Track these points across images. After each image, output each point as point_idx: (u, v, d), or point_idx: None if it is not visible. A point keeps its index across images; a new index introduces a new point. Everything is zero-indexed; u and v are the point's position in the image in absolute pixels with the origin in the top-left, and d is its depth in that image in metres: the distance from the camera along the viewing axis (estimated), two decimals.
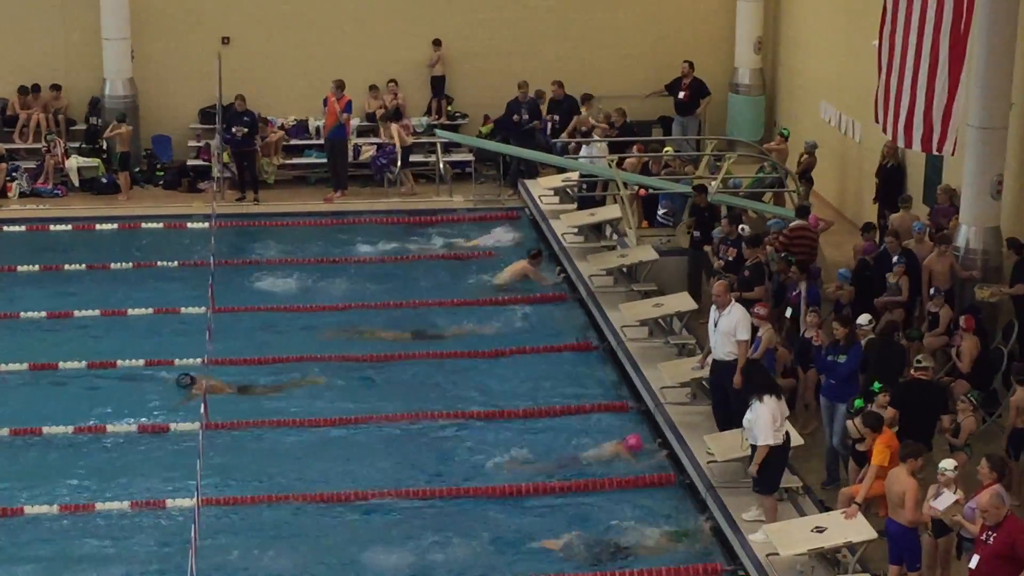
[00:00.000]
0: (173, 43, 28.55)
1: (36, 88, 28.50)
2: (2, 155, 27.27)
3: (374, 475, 16.71)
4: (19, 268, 23.11)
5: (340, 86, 27.32)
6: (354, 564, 14.93)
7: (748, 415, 14.86)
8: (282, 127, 28.38)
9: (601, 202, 24.71)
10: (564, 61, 28.83)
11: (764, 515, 15.01)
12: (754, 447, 14.86)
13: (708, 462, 16.14)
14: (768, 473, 14.88)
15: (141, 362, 19.47)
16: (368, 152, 28.44)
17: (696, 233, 21.22)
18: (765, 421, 14.71)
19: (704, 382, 17.67)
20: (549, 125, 27.52)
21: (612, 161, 23.87)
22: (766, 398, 14.76)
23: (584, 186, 25.19)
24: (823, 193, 24.60)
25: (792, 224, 20.40)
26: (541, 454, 17.25)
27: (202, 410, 15.00)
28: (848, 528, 14.04)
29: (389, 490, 16.25)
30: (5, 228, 25.32)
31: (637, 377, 18.82)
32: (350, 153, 28.02)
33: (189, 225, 25.32)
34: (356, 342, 20.50)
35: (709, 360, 17.06)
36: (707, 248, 20.76)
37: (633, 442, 17.31)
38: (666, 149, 25.27)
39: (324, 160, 28.05)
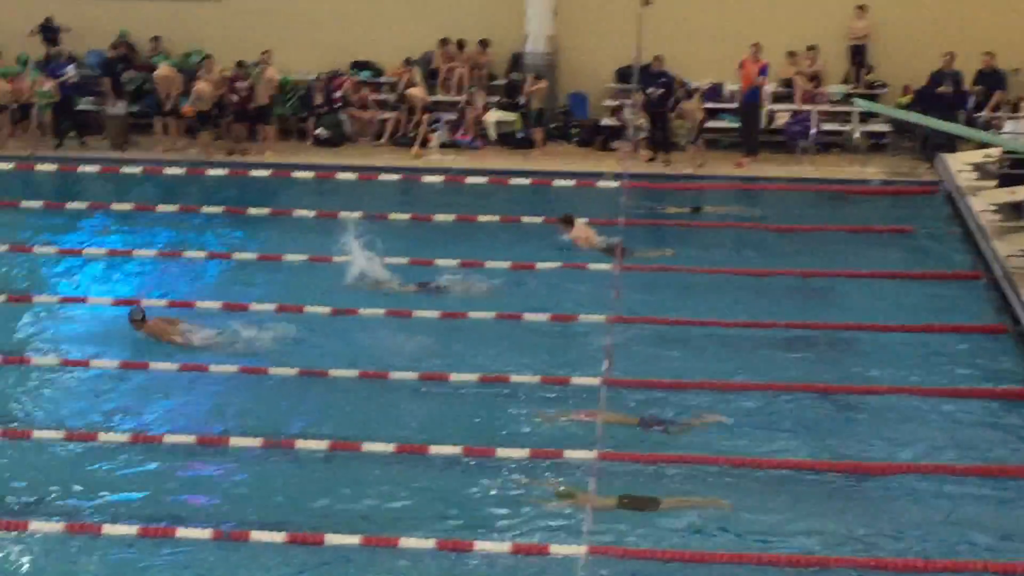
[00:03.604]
0: (595, 1, 28.84)
1: (461, 44, 29.29)
2: (427, 106, 28.16)
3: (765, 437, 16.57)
4: (435, 218, 23.79)
5: (757, 50, 27.08)
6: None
7: None
8: (696, 91, 28.20)
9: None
10: (995, 31, 27.68)
11: None
12: None
13: None
14: None
15: (546, 316, 19.75)
16: (782, 118, 28.12)
17: None
18: None
19: None
20: (973, 99, 26.58)
21: None
22: None
23: (1007, 163, 24.26)
24: None
25: None
26: (942, 438, 16.72)
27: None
28: None
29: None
30: (424, 178, 26.14)
31: None
32: (764, 119, 27.75)
33: (599, 183, 25.55)
34: (758, 306, 20.29)
35: None
36: None
37: None
38: None
39: (737, 125, 27.88)
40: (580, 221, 22.67)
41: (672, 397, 17.32)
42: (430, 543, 13.87)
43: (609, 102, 29.20)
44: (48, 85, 28.40)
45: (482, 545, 13.90)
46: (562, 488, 14.91)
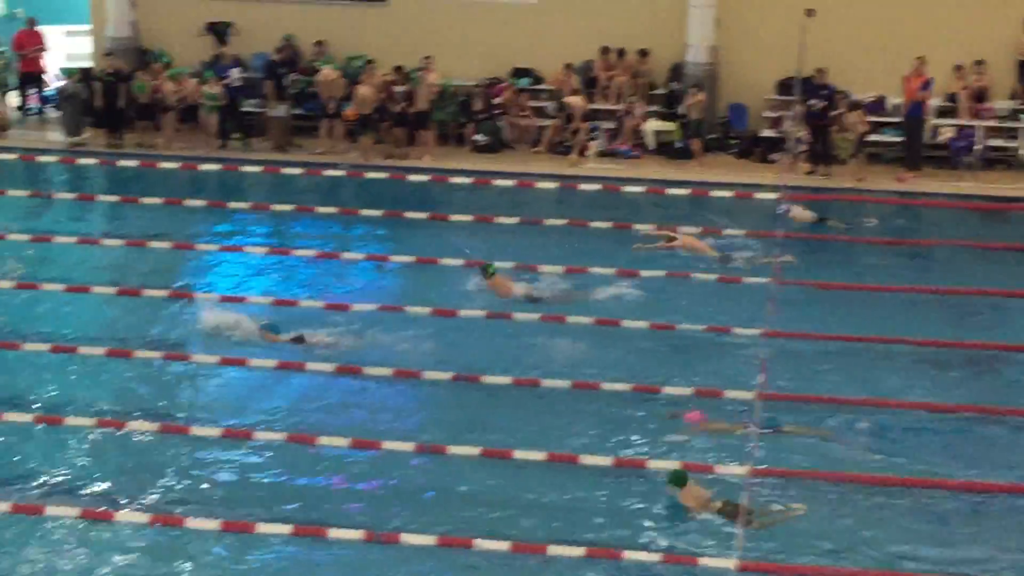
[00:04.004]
0: (758, 13, 28.68)
1: (621, 52, 29.29)
2: (586, 114, 28.20)
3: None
4: (592, 224, 23.72)
5: (921, 64, 26.72)
6: None
7: None
8: (858, 104, 27.90)
9: None
10: None
11: None
12: None
13: None
14: None
15: (701, 327, 19.62)
16: (947, 133, 27.68)
17: None
18: None
19: None
20: None
21: None
22: None
23: None
24: None
25: None
26: None
27: None
28: None
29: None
30: (581, 186, 26.12)
31: None
32: (927, 133, 27.35)
33: (756, 195, 25.33)
34: (915, 323, 19.98)
35: None
36: None
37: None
38: None
39: (900, 139, 27.52)
40: (687, 232, 22.57)
41: (825, 413, 17.15)
42: (580, 551, 13.87)
43: (769, 113, 28.98)
44: (216, 88, 28.93)
45: (632, 554, 13.89)
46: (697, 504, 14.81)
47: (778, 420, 16.62)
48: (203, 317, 19.31)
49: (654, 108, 29.30)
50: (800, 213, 23.94)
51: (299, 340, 18.80)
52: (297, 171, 26.43)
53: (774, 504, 14.78)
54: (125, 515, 14.46)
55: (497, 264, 20.92)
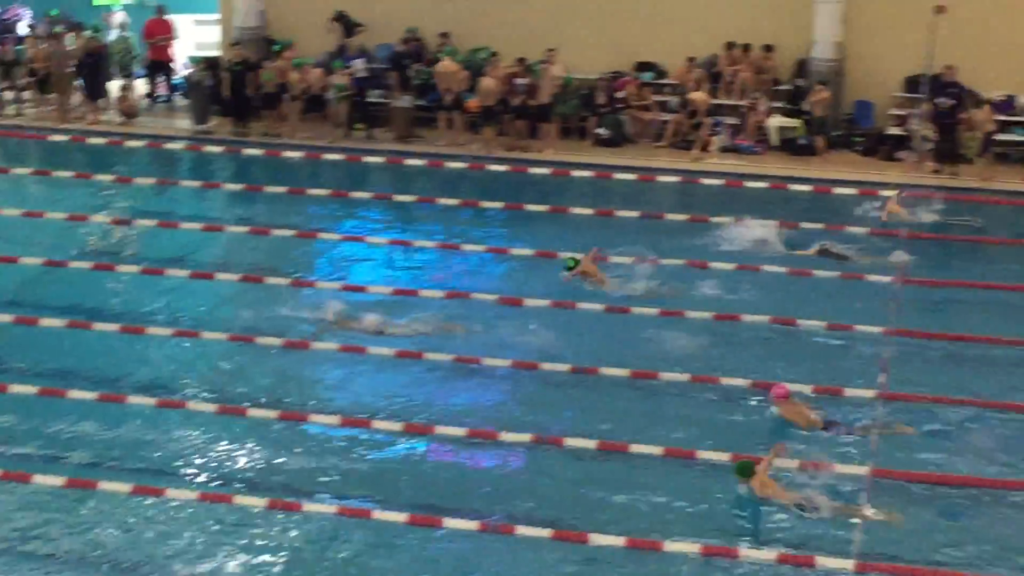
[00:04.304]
0: (885, 8, 28.31)
1: (746, 47, 29.08)
2: (709, 109, 28.02)
3: None
4: (713, 219, 23.55)
5: None
6: None
7: None
8: (987, 102, 27.49)
9: None
10: None
11: None
12: None
13: None
14: None
15: (822, 324, 19.41)
16: None
17: None
18: None
19: None
20: None
21: None
22: None
23: None
24: None
25: None
26: None
27: None
28: None
29: None
30: (703, 180, 25.94)
31: None
32: None
33: (879, 192, 25.03)
34: None
35: None
36: None
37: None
38: None
39: None
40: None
41: (948, 413, 16.92)
42: (695, 547, 13.80)
43: (896, 111, 28.60)
44: (344, 78, 29.16)
45: (747, 552, 13.79)
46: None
47: (857, 419, 16.44)
48: (322, 305, 19.47)
49: (778, 104, 29.03)
50: (898, 210, 23.60)
51: (379, 332, 18.89)
52: (419, 162, 26.54)
53: (873, 508, 14.61)
54: (242, 499, 14.62)
55: (616, 258, 20.91)
